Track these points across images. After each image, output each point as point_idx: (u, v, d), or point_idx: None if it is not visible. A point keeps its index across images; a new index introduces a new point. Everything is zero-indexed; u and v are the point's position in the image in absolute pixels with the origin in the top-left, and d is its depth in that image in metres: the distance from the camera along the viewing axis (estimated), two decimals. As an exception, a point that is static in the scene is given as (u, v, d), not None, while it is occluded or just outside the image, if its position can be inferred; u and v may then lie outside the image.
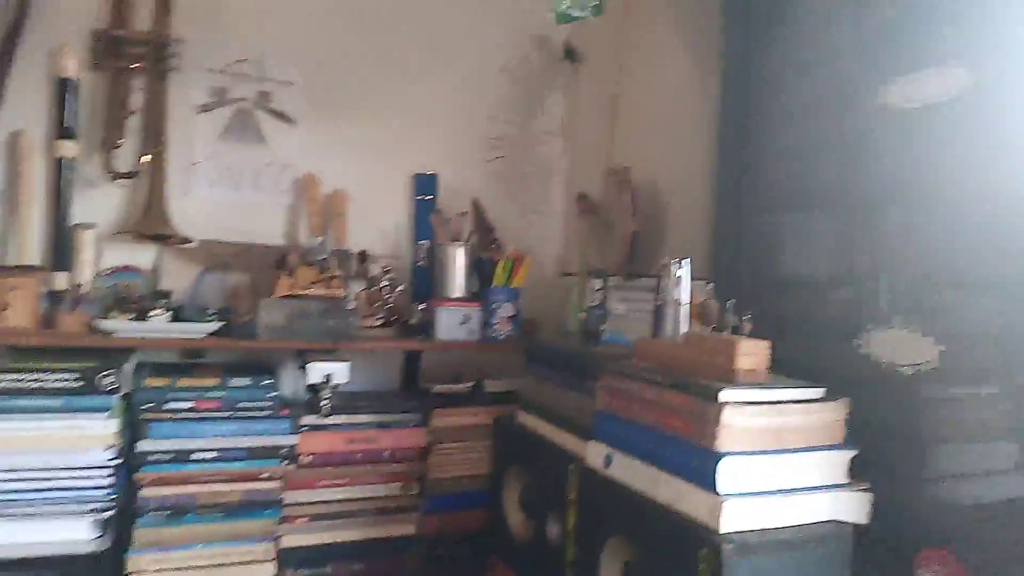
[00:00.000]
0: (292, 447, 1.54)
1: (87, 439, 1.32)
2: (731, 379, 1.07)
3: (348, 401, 1.63)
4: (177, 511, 1.45)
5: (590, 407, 1.35)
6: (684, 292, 1.23)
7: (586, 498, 1.32)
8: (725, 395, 1.03)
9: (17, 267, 1.47)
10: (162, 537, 1.44)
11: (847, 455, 1.11)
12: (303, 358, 1.63)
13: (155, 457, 1.43)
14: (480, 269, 1.80)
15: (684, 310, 1.23)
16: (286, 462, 1.53)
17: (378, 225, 1.90)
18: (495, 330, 1.76)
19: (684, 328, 1.24)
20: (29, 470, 1.30)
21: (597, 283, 1.46)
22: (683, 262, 1.24)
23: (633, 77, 1.88)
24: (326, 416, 1.55)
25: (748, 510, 1.02)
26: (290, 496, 1.56)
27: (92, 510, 1.31)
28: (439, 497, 1.68)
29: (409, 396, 1.75)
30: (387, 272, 1.74)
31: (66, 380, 1.34)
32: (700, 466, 1.04)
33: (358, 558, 1.61)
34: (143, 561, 1.42)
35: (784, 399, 1.08)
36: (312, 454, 1.57)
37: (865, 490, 1.10)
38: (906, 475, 1.15)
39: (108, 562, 1.33)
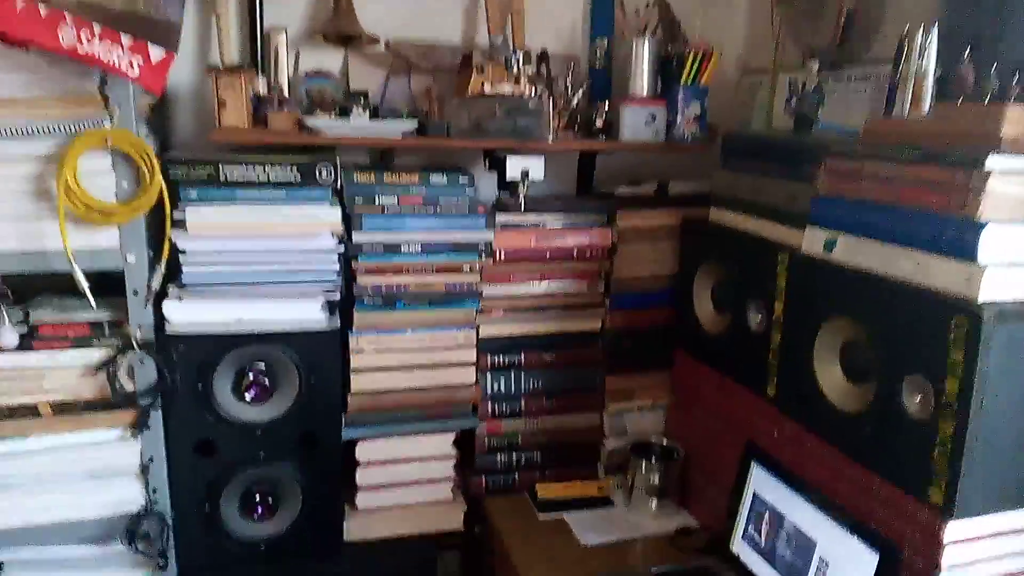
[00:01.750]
0: (488, 243, 1.59)
1: (316, 225, 1.41)
2: (996, 146, 0.99)
3: (533, 203, 1.65)
4: (389, 298, 1.56)
5: (804, 195, 1.31)
6: (931, 62, 1.14)
7: (798, 285, 1.31)
8: (992, 162, 0.97)
9: (226, 67, 1.52)
10: (378, 321, 1.56)
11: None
12: (491, 158, 1.65)
13: (369, 248, 1.52)
14: (664, 66, 1.72)
15: (929, 83, 1.14)
16: (483, 256, 1.59)
17: (555, 23, 1.83)
18: (681, 131, 1.71)
19: (927, 104, 1.15)
20: (268, 252, 1.41)
21: (814, 65, 1.36)
22: (931, 28, 1.13)
23: None
24: (523, 212, 1.59)
25: (1006, 280, 0.98)
26: (487, 289, 1.64)
27: (324, 291, 1.43)
28: (624, 295, 1.72)
29: (592, 198, 1.76)
30: (570, 70, 1.69)
31: (287, 173, 1.42)
32: (956, 237, 1.01)
33: (547, 348, 1.70)
34: (363, 341, 1.56)
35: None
36: (506, 250, 1.62)
37: None
38: None
39: (335, 339, 1.46)
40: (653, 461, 1.65)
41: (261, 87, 1.56)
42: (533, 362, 1.70)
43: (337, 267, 1.44)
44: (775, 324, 1.37)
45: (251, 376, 1.42)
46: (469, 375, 1.64)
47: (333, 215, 1.42)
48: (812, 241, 1.28)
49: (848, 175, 1.21)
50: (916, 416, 1.06)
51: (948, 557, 1.03)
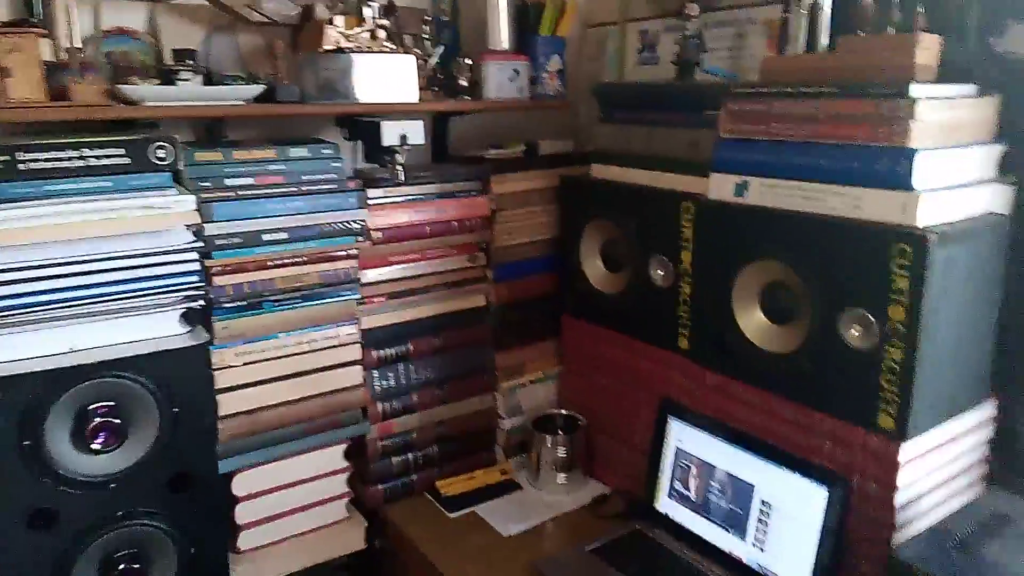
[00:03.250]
0: (363, 222, 1.40)
1: (164, 218, 1.12)
2: (911, 76, 1.02)
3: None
4: (253, 299, 1.31)
5: (706, 141, 1.29)
6: (827, -3, 1.15)
7: (708, 233, 1.29)
8: (916, 91, 0.99)
9: (9, 23, 1.16)
10: (243, 328, 1.31)
11: (1000, 150, 1.13)
12: (353, 125, 1.45)
13: (224, 242, 1.26)
14: (520, 17, 1.61)
15: (826, 14, 1.16)
16: (359, 239, 1.40)
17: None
18: (544, 86, 1.62)
19: (825, 38, 1.17)
20: (102, 259, 1.10)
21: (693, 8, 1.33)
22: (823, -35, 1.15)
23: None
24: (400, 184, 1.41)
25: (938, 205, 1.02)
26: (365, 275, 1.44)
27: (183, 298, 1.15)
28: (507, 265, 1.62)
29: (461, 165, 1.62)
30: (425, 23, 1.53)
31: (111, 157, 1.11)
32: (889, 168, 1.02)
33: (434, 333, 1.55)
34: (227, 356, 1.29)
35: (956, 95, 1.06)
36: (381, 229, 1.44)
37: (1013, 183, 1.13)
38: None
39: (202, 356, 1.19)
40: (559, 434, 1.58)
41: (48, 52, 1.22)
42: (422, 350, 1.54)
43: (197, 267, 1.17)
44: (683, 276, 1.35)
45: (96, 419, 1.11)
46: (355, 375, 1.44)
47: (185, 204, 1.14)
48: (720, 187, 1.26)
49: (754, 117, 1.20)
50: (858, 347, 1.08)
51: (903, 477, 1.07)
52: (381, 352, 1.48)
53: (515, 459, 1.67)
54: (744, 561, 1.26)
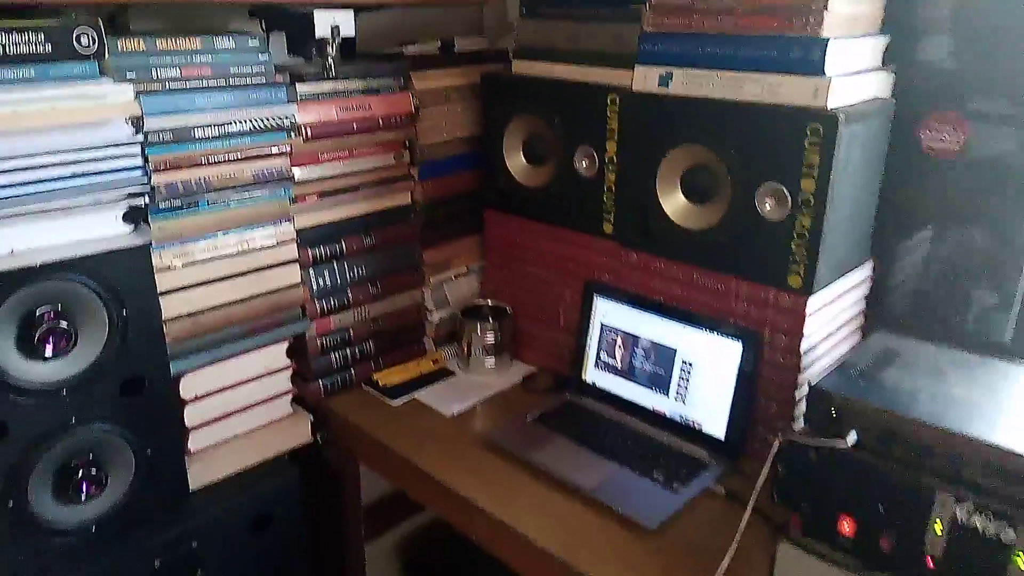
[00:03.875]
0: (294, 119, 1.37)
1: (101, 109, 1.05)
2: (822, -28, 1.15)
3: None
4: (189, 198, 1.27)
5: (628, 35, 1.37)
6: None
7: (633, 123, 1.39)
8: (827, -16, 1.12)
9: None
10: (180, 228, 1.27)
11: (885, 41, 1.29)
12: (271, 16, 1.40)
13: (155, 138, 1.20)
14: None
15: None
16: (291, 135, 1.37)
17: None
18: (457, -20, 1.62)
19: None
20: (36, 155, 1.02)
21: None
22: None
23: None
24: (330, 78, 1.38)
25: (845, 89, 1.17)
26: (296, 173, 1.42)
27: (127, 195, 1.10)
28: (431, 163, 1.65)
29: (382, 61, 1.60)
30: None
31: (30, 44, 1.03)
32: (803, 56, 1.16)
33: (365, 231, 1.57)
34: (166, 257, 1.26)
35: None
36: (311, 125, 1.42)
37: (893, 72, 1.31)
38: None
39: (147, 256, 1.16)
40: (490, 320, 1.68)
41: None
42: (355, 248, 1.55)
43: (140, 162, 1.12)
44: (608, 165, 1.45)
45: (44, 324, 1.06)
46: (294, 274, 1.45)
47: (123, 94, 1.08)
48: (645, 79, 1.36)
49: (677, 11, 1.29)
50: (772, 218, 1.23)
51: (807, 327, 1.26)
52: (316, 251, 1.49)
53: (445, 349, 1.75)
54: (667, 415, 1.44)
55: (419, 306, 1.72)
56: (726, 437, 1.36)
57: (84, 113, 1.05)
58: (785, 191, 1.20)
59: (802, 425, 1.13)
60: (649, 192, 1.38)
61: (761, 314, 1.30)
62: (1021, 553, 0.94)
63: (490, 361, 1.68)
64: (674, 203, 1.38)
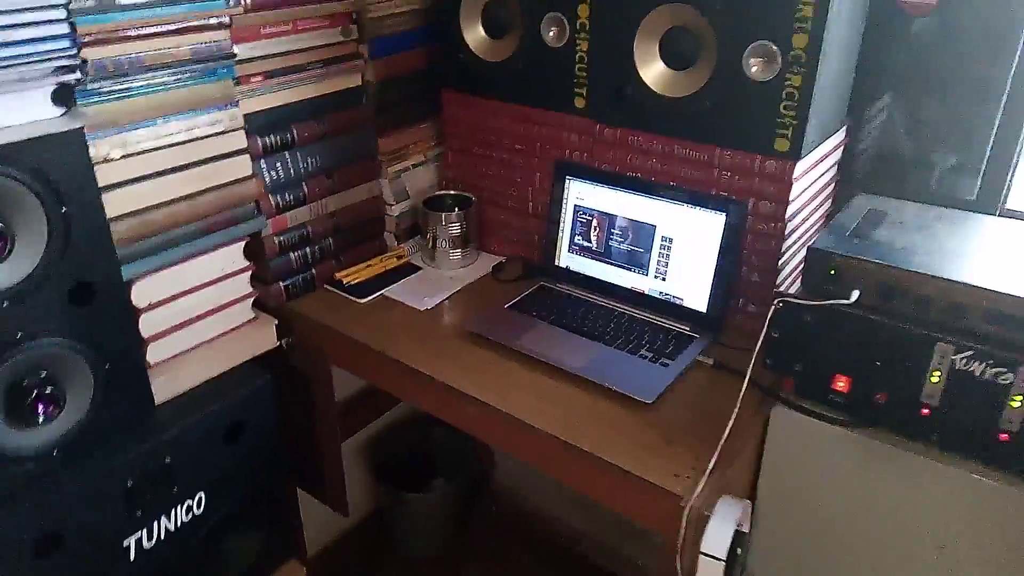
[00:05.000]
0: (230, -17, 1.21)
1: None
2: None
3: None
4: (121, 79, 1.11)
5: None
6: None
7: (607, -17, 1.30)
8: None
9: None
10: (116, 114, 1.12)
11: None
12: None
13: (77, 7, 1.03)
14: None
15: None
16: (230, 2, 1.22)
17: None
18: None
19: None
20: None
21: None
22: None
23: None
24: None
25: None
26: (239, 51, 1.27)
27: (54, 70, 0.94)
28: (382, 40, 1.51)
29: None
30: None
31: None
32: None
33: (316, 117, 1.44)
34: (103, 147, 1.11)
35: None
36: (250, -6, 1.26)
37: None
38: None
39: (84, 142, 1.02)
40: (456, 211, 1.59)
41: None
42: (306, 136, 1.43)
43: (67, 29, 0.95)
44: (580, 32, 1.36)
45: (-28, 225, 0.93)
46: (245, 166, 1.32)
47: (38, -53, 0.91)
48: (620, -68, 1.25)
49: None
50: (760, 79, 1.19)
51: (794, 191, 1.24)
52: (266, 139, 1.36)
53: (408, 243, 1.67)
54: (647, 292, 1.42)
55: (377, 199, 1.61)
56: (708, 310, 1.35)
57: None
58: (775, 49, 1.15)
59: (797, 287, 1.13)
60: (626, 60, 1.31)
61: (745, 183, 1.27)
62: (1018, 396, 0.97)
63: (457, 253, 1.61)
64: (653, 71, 1.31)
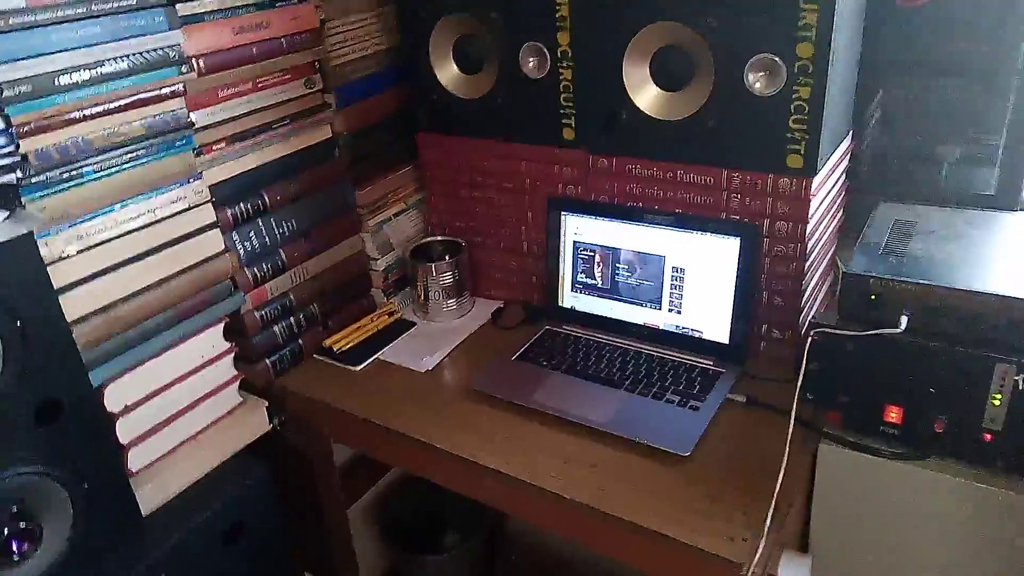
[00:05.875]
0: (180, 48, 1.10)
1: None
2: None
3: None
4: (70, 166, 1.00)
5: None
6: None
7: (587, 5, 1.21)
8: None
9: None
10: (66, 206, 1.00)
11: None
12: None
13: (10, 94, 0.91)
14: None
15: None
16: (181, 69, 1.11)
17: None
18: None
19: None
20: None
21: None
22: None
23: None
24: (218, -8, 1.11)
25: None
26: (197, 118, 1.16)
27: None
28: (348, 87, 1.41)
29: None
30: None
31: None
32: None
33: (287, 177, 1.34)
34: (57, 244, 0.99)
35: None
36: (202, 55, 1.15)
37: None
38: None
39: (33, 245, 0.90)
40: (447, 259, 1.49)
41: None
42: (279, 199, 1.32)
43: (2, 124, 0.84)
44: (562, 61, 1.27)
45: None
46: (216, 242, 1.21)
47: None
48: (596, -48, 1.17)
49: None
50: (765, 94, 1.10)
51: (811, 208, 1.15)
52: (235, 209, 1.25)
53: (396, 298, 1.56)
54: (662, 328, 1.33)
55: (360, 255, 1.51)
56: (731, 340, 1.26)
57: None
58: (779, 61, 1.07)
59: (822, 309, 1.04)
60: (615, 86, 1.22)
61: (758, 204, 1.18)
62: (1091, 412, 0.89)
63: (450, 303, 1.51)
64: (646, 94, 1.22)
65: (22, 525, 0.93)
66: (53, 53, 0.96)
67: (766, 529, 0.95)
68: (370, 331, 1.47)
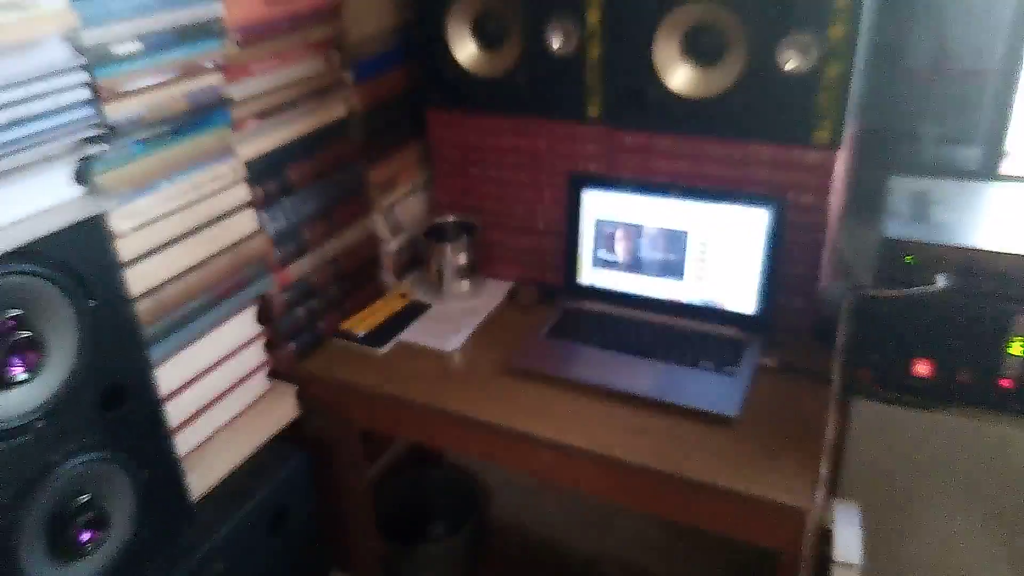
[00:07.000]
0: (220, 13, 1.05)
1: (26, 25, 0.70)
2: None
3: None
4: (122, 138, 0.94)
5: None
6: None
7: (620, -15, 1.24)
8: None
9: None
10: (128, 178, 0.94)
11: None
12: None
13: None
14: None
15: None
16: (222, 41, 1.06)
17: None
18: None
19: None
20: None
21: None
22: None
23: None
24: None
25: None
26: (233, 91, 1.12)
27: (76, 144, 0.77)
28: (364, 63, 1.38)
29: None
30: None
31: None
32: None
33: (309, 155, 1.30)
34: (116, 220, 0.93)
35: None
36: (240, 28, 1.11)
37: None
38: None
39: (100, 228, 0.85)
40: (463, 238, 1.49)
41: None
42: (301, 177, 1.28)
43: (88, 94, 0.78)
44: (591, 38, 1.29)
45: (10, 339, 0.75)
46: (251, 220, 1.17)
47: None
48: (632, -67, 1.20)
49: None
50: (796, 71, 1.17)
51: (833, 179, 1.23)
52: (265, 186, 1.21)
53: (407, 279, 1.55)
54: (686, 301, 1.38)
55: (371, 237, 1.48)
56: (758, 310, 1.32)
57: (10, 32, 0.70)
58: (812, 40, 1.14)
59: (871, 278, 1.12)
60: (645, 63, 1.26)
61: (784, 177, 1.25)
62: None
63: (465, 284, 1.51)
64: (676, 71, 1.27)
65: (91, 515, 0.88)
66: (113, 20, 0.90)
67: (821, 479, 1.02)
68: (386, 313, 1.45)
